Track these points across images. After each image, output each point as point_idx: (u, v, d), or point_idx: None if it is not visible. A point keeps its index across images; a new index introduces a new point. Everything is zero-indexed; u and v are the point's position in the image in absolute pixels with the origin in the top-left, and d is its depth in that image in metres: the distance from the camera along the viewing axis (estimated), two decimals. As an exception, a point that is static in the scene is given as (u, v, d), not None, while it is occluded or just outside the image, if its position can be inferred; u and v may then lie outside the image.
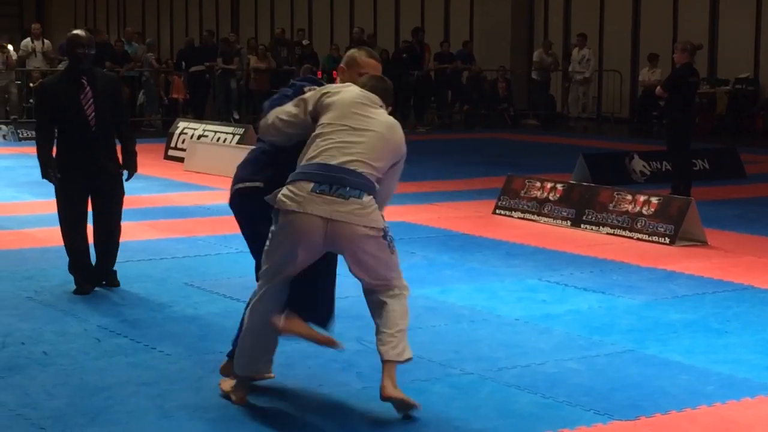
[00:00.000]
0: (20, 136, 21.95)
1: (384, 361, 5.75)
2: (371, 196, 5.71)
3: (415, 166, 16.87)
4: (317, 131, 5.80)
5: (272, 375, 6.19)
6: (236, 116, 25.79)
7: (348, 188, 5.63)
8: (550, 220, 12.03)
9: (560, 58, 27.63)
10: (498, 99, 27.53)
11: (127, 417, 5.72)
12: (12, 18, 43.56)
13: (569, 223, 11.82)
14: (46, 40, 25.76)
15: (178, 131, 19.02)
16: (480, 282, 9.14)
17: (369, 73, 6.15)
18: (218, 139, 18.22)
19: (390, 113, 6.04)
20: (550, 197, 12.19)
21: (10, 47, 24.70)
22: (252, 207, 6.02)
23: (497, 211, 12.65)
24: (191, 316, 7.90)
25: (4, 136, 22.10)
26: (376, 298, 5.91)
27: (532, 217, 12.21)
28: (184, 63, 26.84)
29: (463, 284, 9.06)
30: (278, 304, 5.87)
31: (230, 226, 11.26)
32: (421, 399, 5.98)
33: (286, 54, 28.07)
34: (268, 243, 5.81)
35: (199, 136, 18.50)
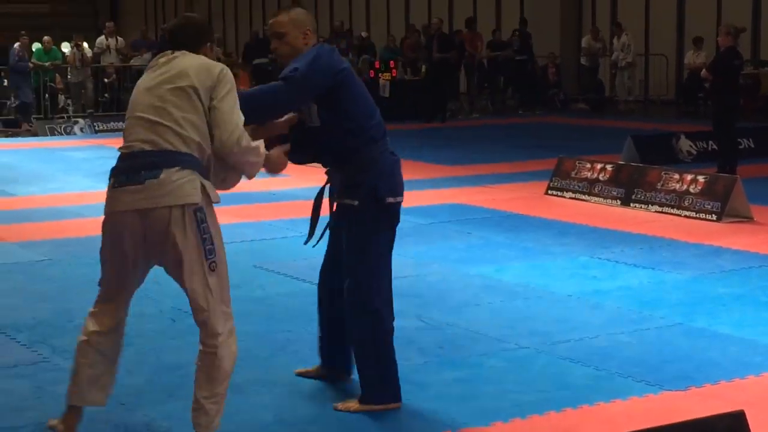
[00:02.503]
0: (96, 128, 23.07)
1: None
2: (176, 167, 4.75)
3: (470, 149, 17.11)
4: None
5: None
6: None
7: (142, 172, 4.79)
8: (601, 199, 12.20)
9: (608, 44, 27.65)
10: (548, 85, 27.66)
11: (203, 392, 5.92)
12: (87, 18, 44.53)
13: (619, 202, 12.00)
14: (119, 38, 26.62)
15: (244, 122, 19.24)
16: (533, 260, 9.24)
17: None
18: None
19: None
20: (600, 177, 12.36)
21: (85, 45, 25.51)
22: None
23: (549, 192, 12.82)
24: (259, 297, 8.05)
25: (81, 129, 22.95)
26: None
27: (583, 197, 12.37)
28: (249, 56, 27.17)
29: (517, 262, 9.16)
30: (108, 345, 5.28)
31: (294, 211, 11.53)
32: (478, 372, 6.13)
33: (345, 46, 28.30)
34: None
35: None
